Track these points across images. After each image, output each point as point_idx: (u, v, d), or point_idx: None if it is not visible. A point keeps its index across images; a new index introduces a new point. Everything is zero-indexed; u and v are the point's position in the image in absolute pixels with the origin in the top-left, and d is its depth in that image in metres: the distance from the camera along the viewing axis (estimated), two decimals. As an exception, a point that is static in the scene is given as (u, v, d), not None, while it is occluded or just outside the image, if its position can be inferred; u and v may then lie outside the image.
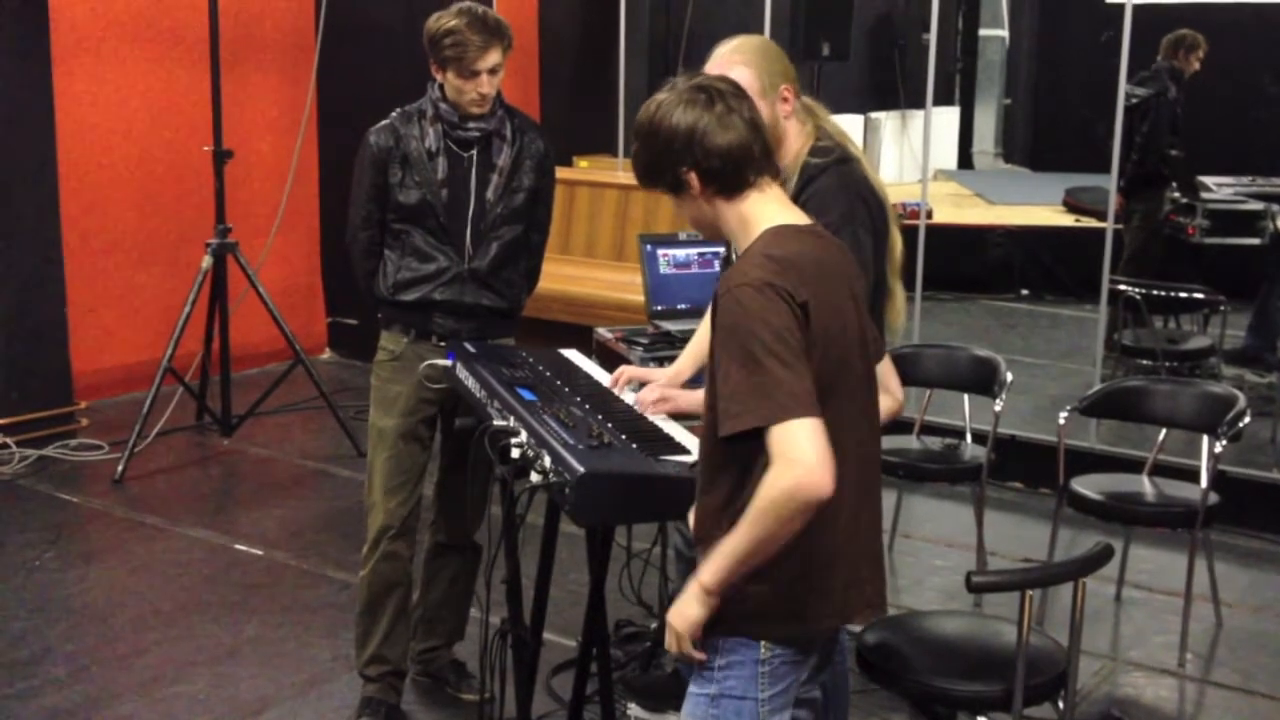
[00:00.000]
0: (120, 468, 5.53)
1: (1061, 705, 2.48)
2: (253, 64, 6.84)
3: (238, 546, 4.91)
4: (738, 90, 2.27)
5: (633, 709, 3.65)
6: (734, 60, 2.84)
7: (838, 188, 2.48)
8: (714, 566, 2.12)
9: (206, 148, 6.01)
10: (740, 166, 2.22)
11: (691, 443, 2.70)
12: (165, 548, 4.90)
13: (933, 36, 5.86)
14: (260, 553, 4.86)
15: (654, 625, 4.07)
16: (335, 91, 7.00)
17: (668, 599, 3.72)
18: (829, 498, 2.04)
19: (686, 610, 2.17)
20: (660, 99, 2.25)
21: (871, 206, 2.75)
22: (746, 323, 2.07)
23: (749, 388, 2.05)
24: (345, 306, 7.38)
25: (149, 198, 6.60)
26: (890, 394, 2.62)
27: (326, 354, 7.51)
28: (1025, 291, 8.92)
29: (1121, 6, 5.28)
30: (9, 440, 5.69)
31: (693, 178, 2.22)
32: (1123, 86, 5.45)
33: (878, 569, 2.28)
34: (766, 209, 2.25)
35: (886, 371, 2.57)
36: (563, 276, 5.77)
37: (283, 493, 5.56)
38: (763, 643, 2.19)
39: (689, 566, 3.51)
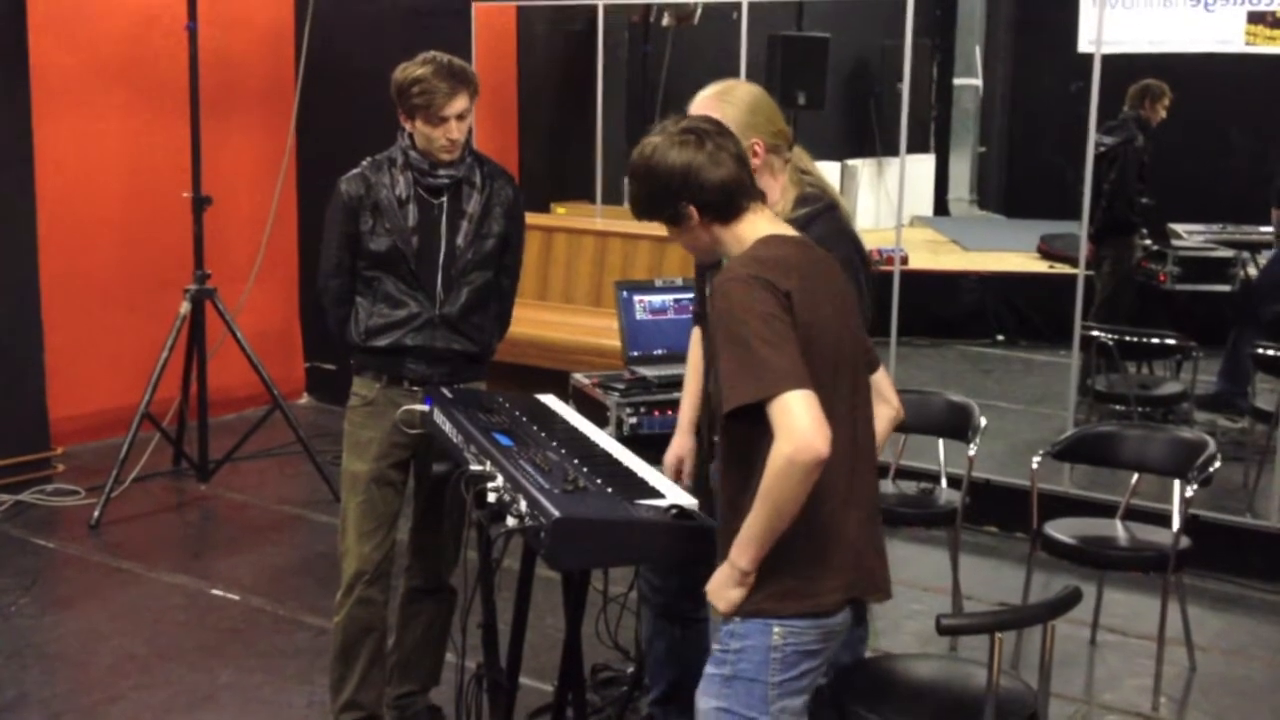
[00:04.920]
0: (96, 513, 5.51)
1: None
2: (231, 111, 6.88)
3: (214, 592, 4.90)
4: (721, 129, 2.48)
5: (609, 754, 3.65)
6: (713, 106, 2.92)
7: (836, 233, 2.55)
8: (742, 548, 2.31)
9: (186, 194, 6.03)
10: (734, 196, 2.43)
11: (667, 487, 2.73)
12: (141, 593, 4.88)
13: (905, 85, 5.93)
14: (236, 598, 4.85)
15: (629, 670, 4.07)
16: (313, 139, 7.04)
17: (644, 643, 3.73)
18: (826, 459, 2.21)
19: (728, 594, 2.37)
20: (653, 141, 2.45)
21: (862, 253, 2.83)
22: (735, 311, 2.27)
23: (741, 369, 2.24)
24: (323, 352, 7.40)
25: (127, 243, 6.62)
26: (889, 404, 2.74)
27: (304, 399, 7.52)
28: (1000, 337, 8.99)
29: (1092, 56, 5.37)
30: (-15, 485, 5.68)
31: (691, 210, 2.43)
32: (1092, 135, 5.53)
33: (882, 558, 2.47)
34: (759, 226, 2.46)
35: (883, 383, 2.72)
36: (540, 322, 5.80)
37: (259, 538, 5.55)
38: (775, 628, 2.36)
39: (655, 612, 3.54)
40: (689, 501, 2.61)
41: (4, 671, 4.22)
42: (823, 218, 2.75)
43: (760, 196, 2.52)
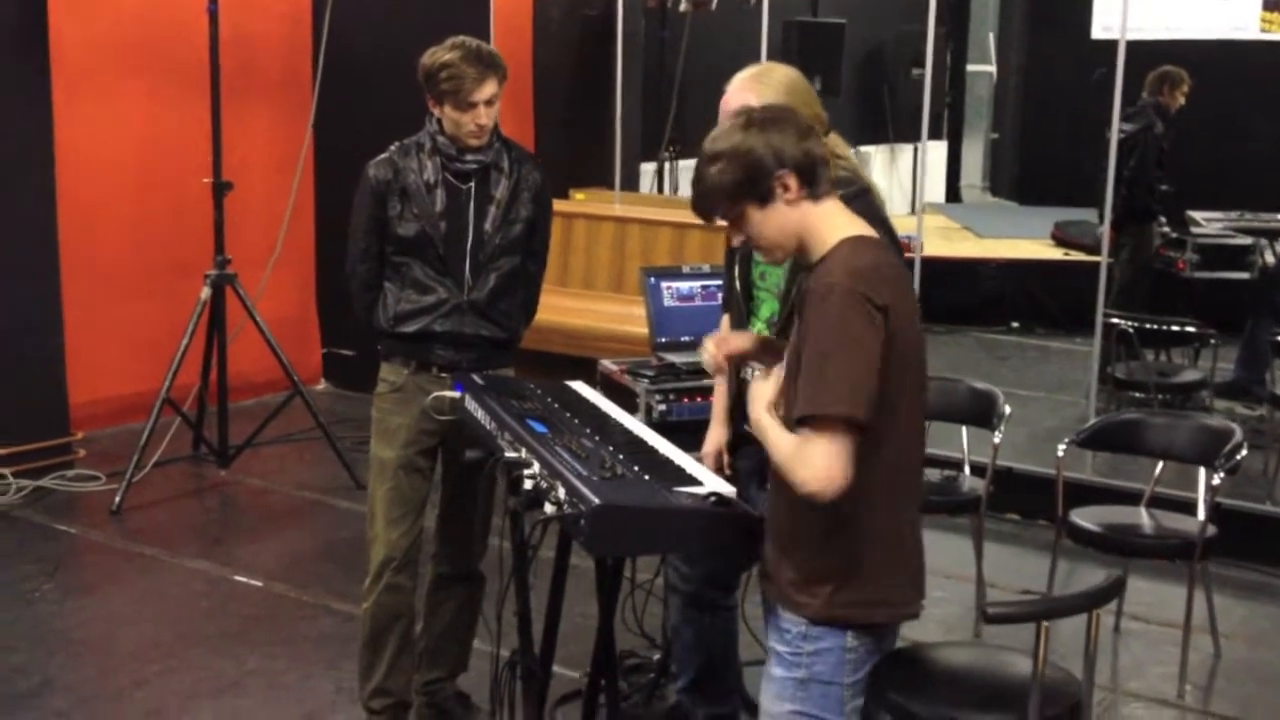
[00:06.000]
0: (118, 498, 5.52)
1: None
2: (250, 97, 6.87)
3: (237, 578, 4.91)
4: (785, 110, 2.49)
5: (637, 741, 3.66)
6: (750, 88, 2.94)
7: (871, 219, 2.53)
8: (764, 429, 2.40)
9: (206, 179, 6.03)
10: (819, 168, 2.40)
11: (703, 474, 2.72)
12: (164, 579, 4.89)
13: (928, 72, 5.91)
14: (260, 584, 4.86)
15: (656, 657, 4.08)
16: (332, 124, 7.03)
17: (670, 631, 3.74)
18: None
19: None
20: (725, 128, 2.43)
21: (895, 240, 2.82)
22: (830, 323, 2.28)
23: (809, 382, 2.27)
24: (340, 338, 7.40)
25: (146, 228, 6.62)
26: None
27: (322, 385, 7.51)
28: (1016, 324, 8.97)
29: (1105, 42, 5.35)
30: (6, 471, 5.68)
31: (792, 180, 2.37)
32: (1116, 123, 5.52)
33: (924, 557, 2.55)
34: (840, 218, 2.44)
35: None
36: (560, 309, 5.79)
37: (281, 524, 5.56)
38: (849, 631, 2.39)
39: (683, 600, 3.54)
40: (727, 489, 2.60)
41: (28, 657, 4.23)
42: (857, 202, 2.73)
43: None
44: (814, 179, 2.40)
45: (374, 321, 3.63)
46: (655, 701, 3.87)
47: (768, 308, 3.15)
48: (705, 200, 2.43)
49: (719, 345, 2.87)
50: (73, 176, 6.16)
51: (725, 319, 3.43)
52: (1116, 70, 5.33)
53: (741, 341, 2.89)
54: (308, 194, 7.30)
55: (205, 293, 5.94)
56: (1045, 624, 2.46)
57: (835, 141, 2.95)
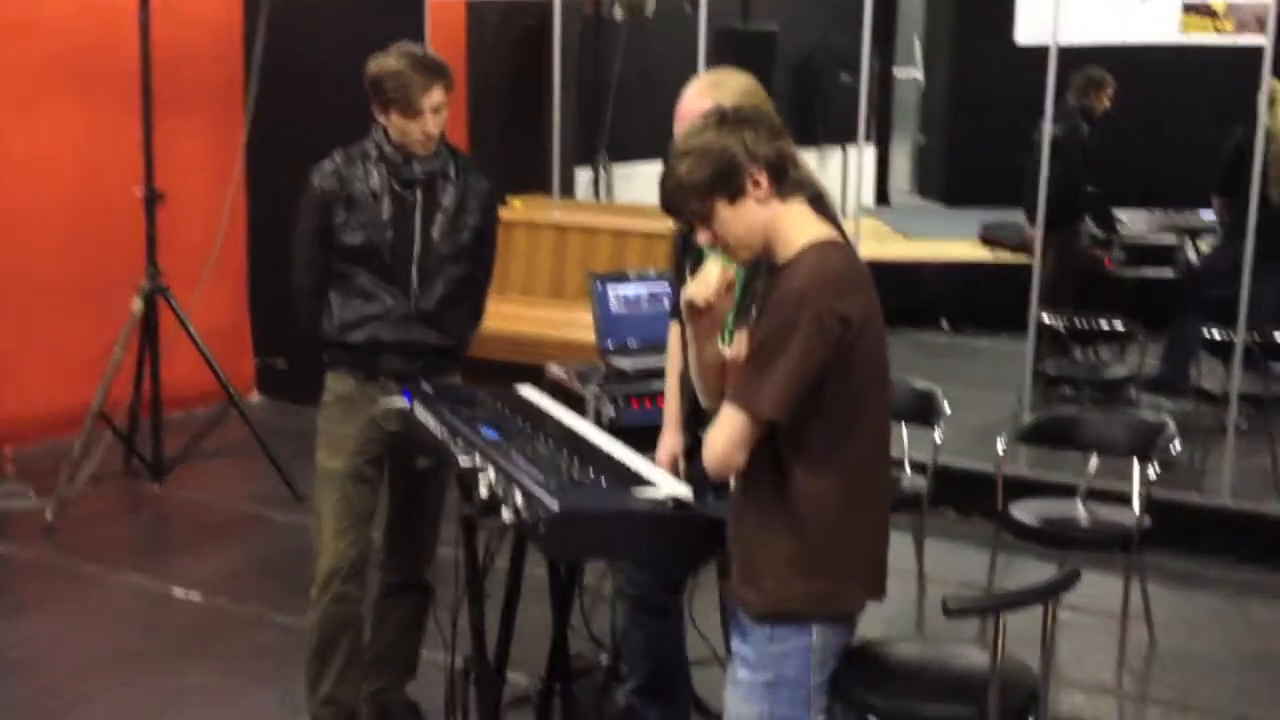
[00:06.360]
0: (50, 515, 5.43)
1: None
2: (181, 107, 6.78)
3: (176, 593, 4.85)
4: (756, 111, 2.50)
5: (588, 745, 3.66)
6: (705, 94, 2.97)
7: (829, 223, 2.56)
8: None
9: (137, 189, 5.94)
10: (787, 166, 2.43)
11: (658, 476, 2.73)
12: (101, 596, 4.82)
13: (864, 76, 6.01)
14: (199, 599, 4.80)
15: (604, 659, 4.08)
16: (264, 133, 6.96)
17: (619, 635, 3.74)
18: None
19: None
20: (696, 126, 2.44)
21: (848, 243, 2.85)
22: (785, 327, 2.32)
23: (757, 375, 2.34)
24: (273, 348, 7.32)
25: (74, 240, 6.51)
26: None
27: (255, 396, 7.43)
28: (945, 324, 9.08)
29: (1028, 49, 5.47)
30: (-67, 489, 5.57)
31: (764, 178, 2.40)
32: (1048, 126, 5.63)
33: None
34: (807, 220, 2.47)
35: None
36: (501, 315, 5.76)
37: (219, 538, 5.50)
38: (815, 628, 2.43)
39: (632, 604, 3.55)
40: (684, 491, 2.62)
41: (-35, 678, 4.16)
42: (814, 205, 2.76)
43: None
44: (784, 178, 2.43)
45: (319, 331, 3.61)
46: (605, 705, 3.87)
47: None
48: (675, 197, 2.44)
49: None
50: (1, 188, 6.05)
51: (675, 326, 3.45)
52: (1048, 76, 5.44)
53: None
54: (239, 203, 7.22)
55: (137, 305, 5.86)
56: (1003, 616, 2.50)
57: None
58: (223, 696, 4.06)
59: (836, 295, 2.34)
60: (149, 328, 5.93)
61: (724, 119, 2.42)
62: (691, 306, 2.42)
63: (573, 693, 3.23)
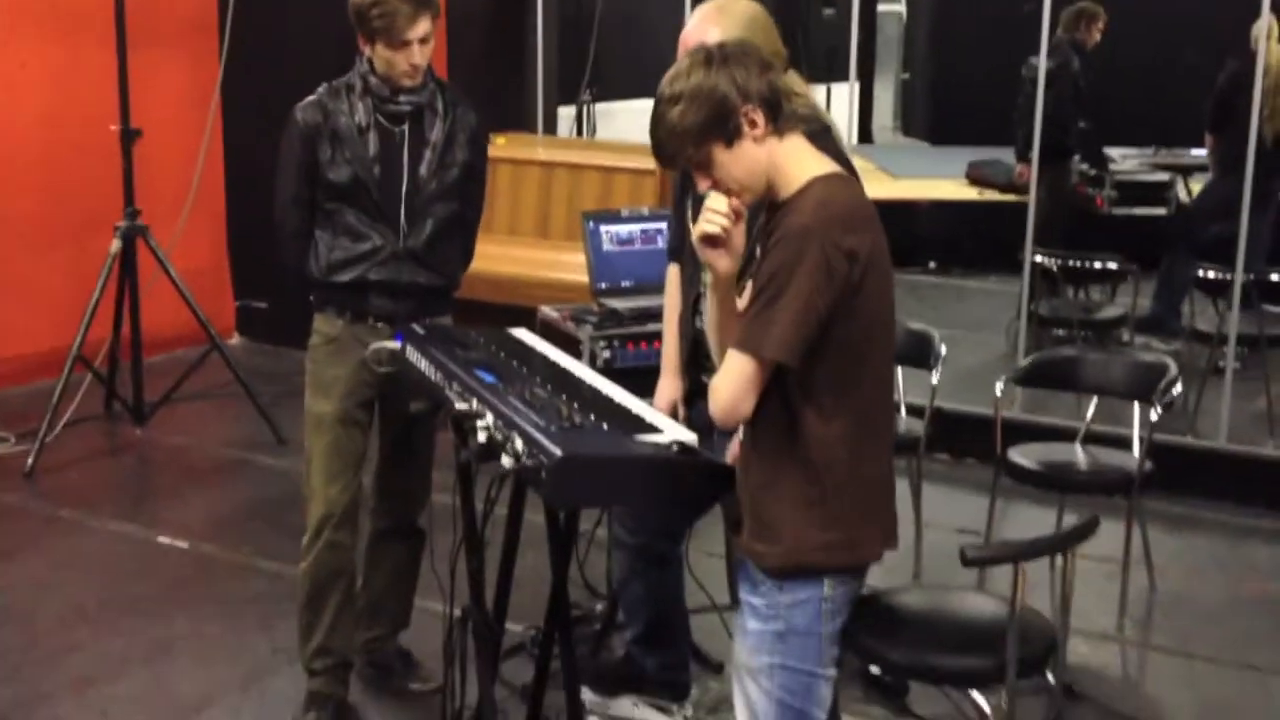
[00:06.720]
0: (30, 460, 5.32)
1: (1052, 676, 2.50)
2: (156, 42, 6.60)
3: (161, 539, 4.76)
4: (744, 45, 2.39)
5: (584, 694, 3.61)
6: (711, 19, 2.89)
7: (836, 156, 2.47)
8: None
9: (113, 127, 5.79)
10: (781, 101, 2.33)
11: (662, 420, 2.66)
12: (85, 542, 4.74)
13: (855, 11, 5.90)
14: (185, 545, 4.72)
15: (600, 608, 4.03)
16: (239, 67, 6.79)
17: (617, 584, 3.69)
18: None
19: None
20: (683, 67, 2.32)
21: (856, 177, 2.76)
22: (790, 264, 2.22)
23: (756, 318, 2.25)
24: (254, 289, 7.20)
25: (49, 180, 6.36)
26: None
27: (235, 338, 7.31)
28: (933, 264, 9.01)
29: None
30: (-92, 435, 5.47)
31: (759, 115, 2.29)
32: (1043, 63, 5.54)
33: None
34: (807, 154, 2.37)
35: None
36: (487, 255, 5.59)
37: (203, 482, 5.41)
38: (826, 579, 2.36)
39: (631, 553, 3.49)
40: (689, 436, 2.54)
41: (-52, 627, 4.08)
42: (819, 140, 2.67)
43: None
44: (779, 113, 2.33)
45: (305, 271, 3.51)
46: (602, 653, 3.82)
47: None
48: (668, 144, 2.33)
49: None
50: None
51: (673, 268, 3.36)
52: (1044, 6, 5.33)
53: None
54: (216, 140, 7.06)
55: (115, 245, 5.73)
56: (1023, 565, 2.44)
57: (793, 78, 2.88)
58: (214, 644, 4.00)
59: (842, 230, 2.25)
60: (128, 268, 5.80)
61: (710, 58, 2.31)
62: (707, 239, 2.31)
63: (573, 644, 3.16)
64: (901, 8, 12.70)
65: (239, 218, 7.17)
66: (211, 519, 4.97)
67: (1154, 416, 4.03)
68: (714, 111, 2.28)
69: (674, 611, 3.54)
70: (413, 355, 3.10)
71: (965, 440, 5.41)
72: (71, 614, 4.18)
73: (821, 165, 2.38)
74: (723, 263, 2.33)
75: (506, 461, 2.48)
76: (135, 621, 4.13)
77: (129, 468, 5.62)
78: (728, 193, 2.33)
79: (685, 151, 2.33)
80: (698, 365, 3.16)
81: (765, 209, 2.40)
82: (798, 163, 2.35)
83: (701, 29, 2.88)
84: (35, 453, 5.35)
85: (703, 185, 2.36)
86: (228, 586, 4.40)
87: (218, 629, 4.09)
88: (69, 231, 6.38)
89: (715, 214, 2.29)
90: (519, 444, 2.46)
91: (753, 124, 2.30)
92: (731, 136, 2.29)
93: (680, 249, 3.28)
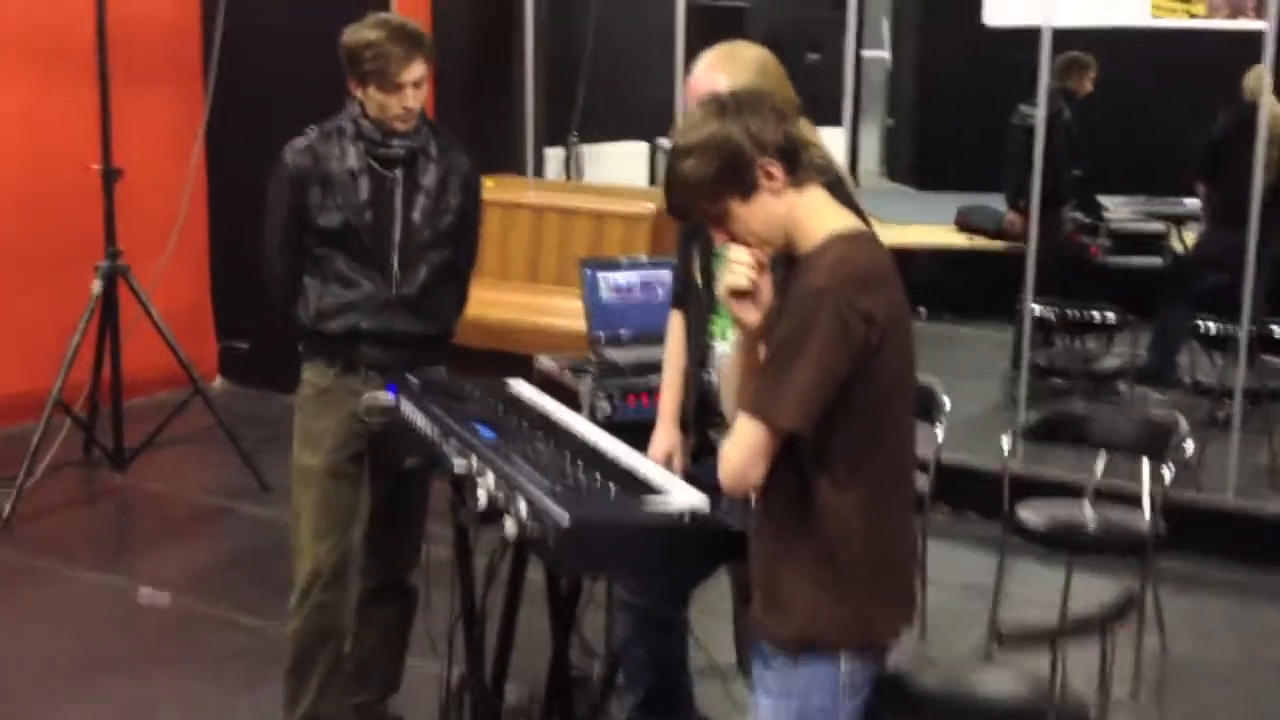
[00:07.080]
0: (7, 507, 5.15)
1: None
2: (136, 80, 6.50)
3: (143, 590, 4.60)
4: (758, 94, 2.30)
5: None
6: (719, 68, 2.81)
7: (851, 209, 2.38)
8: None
9: (95, 166, 5.67)
10: (799, 151, 2.23)
11: (669, 481, 2.54)
12: (62, 594, 4.59)
13: (847, 56, 5.85)
14: (166, 599, 4.56)
15: (597, 669, 3.90)
16: (223, 108, 6.69)
17: (619, 647, 3.56)
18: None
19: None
20: (695, 118, 2.23)
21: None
22: (805, 327, 2.13)
23: (775, 381, 2.15)
24: (236, 331, 7.06)
25: (34, 219, 6.22)
26: None
27: (218, 381, 7.16)
28: (923, 310, 8.92)
29: (997, 31, 5.34)
30: (-120, 480, 5.29)
31: (776, 167, 2.19)
32: (1041, 110, 5.49)
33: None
34: (827, 208, 2.28)
35: None
36: (475, 300, 5.52)
37: (184, 532, 5.26)
38: (843, 656, 2.25)
39: (634, 617, 3.36)
40: (699, 499, 2.42)
41: (-82, 684, 3.92)
42: (833, 192, 2.58)
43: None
44: (797, 165, 2.23)
45: (294, 319, 3.40)
46: (600, 718, 3.68)
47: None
48: (682, 198, 2.23)
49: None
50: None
51: (676, 315, 3.25)
52: (1041, 58, 5.30)
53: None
54: (200, 181, 6.94)
55: (97, 286, 5.59)
56: (1061, 646, 2.33)
57: (806, 127, 2.78)
58: (196, 705, 3.86)
59: (859, 291, 2.15)
60: (109, 309, 5.67)
61: (724, 107, 2.22)
62: (735, 292, 2.20)
63: (573, 710, 3.03)
64: (886, 53, 12.69)
65: (222, 258, 7.05)
66: (193, 570, 4.82)
67: (1167, 477, 3.92)
68: (728, 164, 2.18)
69: (678, 678, 3.42)
70: (407, 409, 2.99)
71: (965, 493, 5.30)
72: (48, 671, 4.03)
73: (842, 219, 2.28)
74: (752, 316, 2.22)
75: (510, 528, 2.37)
76: (114, 680, 3.98)
77: (109, 516, 5.47)
78: (748, 246, 2.22)
79: (700, 205, 2.23)
80: (706, 420, 3.05)
81: (784, 262, 2.30)
82: (818, 216, 2.26)
83: (709, 77, 2.79)
84: (13, 499, 5.18)
85: (719, 239, 2.27)
86: (210, 643, 4.25)
87: (200, 689, 3.94)
88: (49, 271, 6.24)
89: (741, 266, 2.19)
90: (522, 507, 2.35)
91: (770, 176, 2.20)
92: (748, 190, 2.20)
93: (684, 295, 3.18)
